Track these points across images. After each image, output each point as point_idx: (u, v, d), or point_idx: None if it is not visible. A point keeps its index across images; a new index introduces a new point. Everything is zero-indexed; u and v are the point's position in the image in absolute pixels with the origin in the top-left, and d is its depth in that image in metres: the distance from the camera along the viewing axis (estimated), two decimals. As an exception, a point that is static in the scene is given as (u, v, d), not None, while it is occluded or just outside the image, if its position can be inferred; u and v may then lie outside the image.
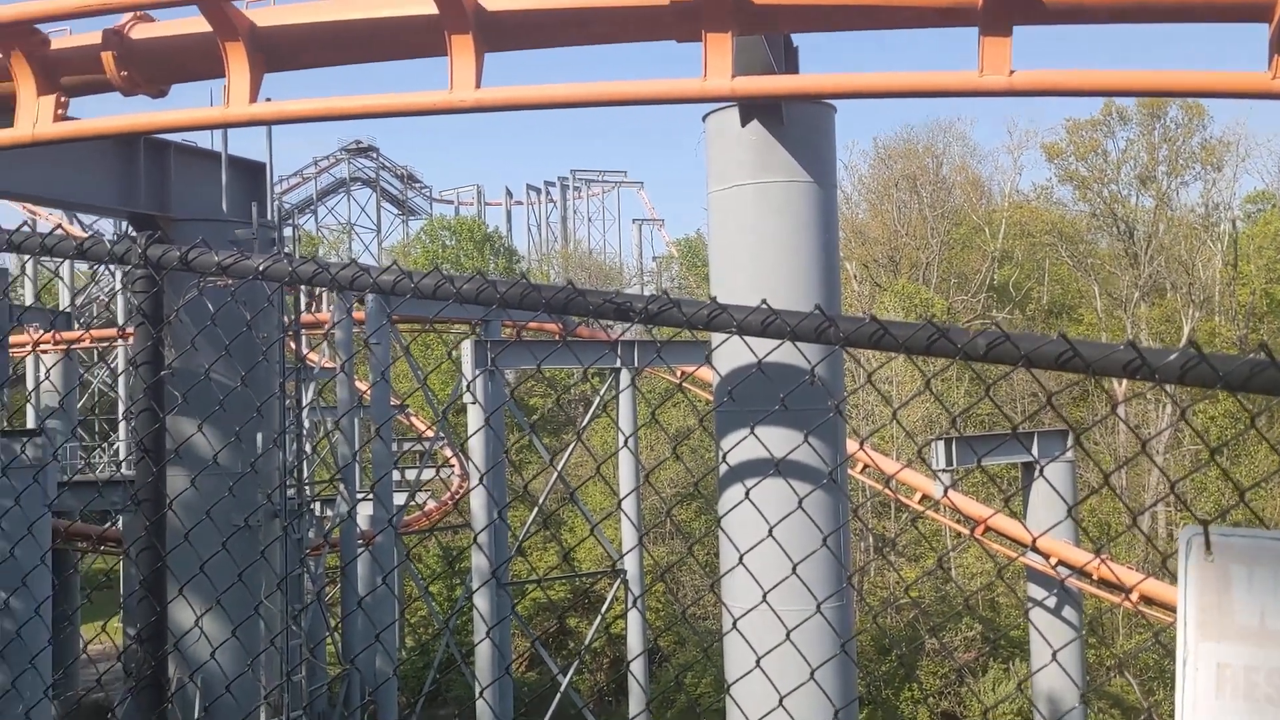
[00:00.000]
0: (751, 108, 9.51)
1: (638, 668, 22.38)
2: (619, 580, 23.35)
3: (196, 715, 11.50)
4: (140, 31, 8.21)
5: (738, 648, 9.99)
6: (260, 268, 2.80)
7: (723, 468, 10.47)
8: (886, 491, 23.35)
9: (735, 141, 9.97)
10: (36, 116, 8.24)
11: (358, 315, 24.01)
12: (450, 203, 69.34)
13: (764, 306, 2.29)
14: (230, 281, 2.88)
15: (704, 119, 11.22)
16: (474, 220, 55.52)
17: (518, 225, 72.36)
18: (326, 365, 27.88)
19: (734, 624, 8.82)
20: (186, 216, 11.69)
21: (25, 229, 3.05)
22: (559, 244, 67.99)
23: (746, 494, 8.90)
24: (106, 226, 42.88)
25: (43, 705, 16.28)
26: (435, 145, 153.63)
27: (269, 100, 8.11)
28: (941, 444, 16.55)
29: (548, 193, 71.50)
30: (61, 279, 41.27)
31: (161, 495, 2.89)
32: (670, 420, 38.55)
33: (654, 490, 35.11)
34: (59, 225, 38.12)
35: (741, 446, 9.30)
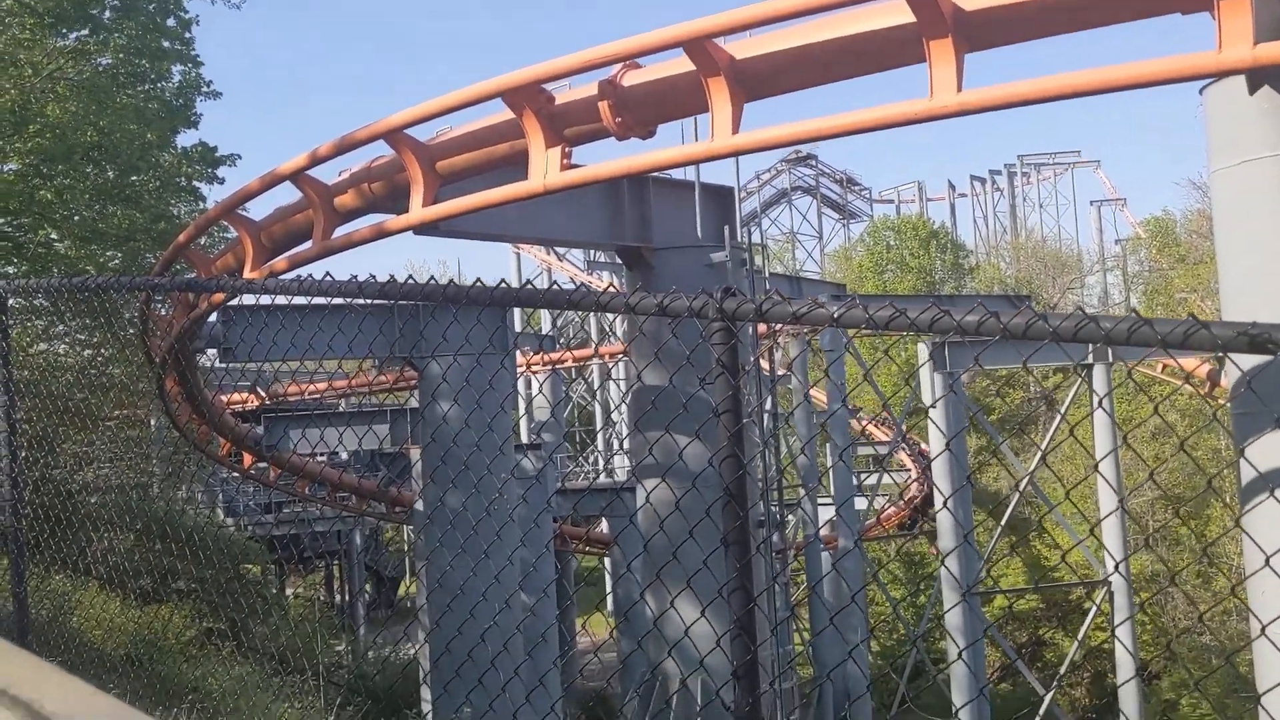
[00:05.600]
0: (1261, 75, 8.47)
1: (1129, 690, 20.74)
2: (1103, 592, 21.80)
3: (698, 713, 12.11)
4: (630, 78, 8.80)
5: (1269, 655, 8.95)
6: (836, 315, 2.82)
7: (1246, 466, 9.44)
8: None
9: (1244, 112, 8.93)
10: (546, 168, 9.07)
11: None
12: (891, 202, 68.71)
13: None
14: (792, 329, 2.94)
15: (1201, 91, 10.18)
16: (917, 218, 54.56)
17: (963, 218, 70.16)
18: (781, 372, 28.41)
19: (1263, 630, 7.88)
20: (665, 245, 12.40)
21: (568, 283, 3.31)
22: (1009, 235, 65.10)
23: (1272, 492, 7.87)
24: (577, 257, 46.83)
25: (553, 675, 18.03)
26: (873, 145, 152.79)
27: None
28: None
29: (993, 182, 68.72)
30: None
31: (747, 538, 2.99)
32: (1144, 413, 35.55)
33: (1133, 491, 32.45)
34: (574, 276, 41.99)
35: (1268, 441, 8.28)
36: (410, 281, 3.94)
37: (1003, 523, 23.03)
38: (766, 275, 15.39)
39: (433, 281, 3.80)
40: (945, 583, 22.98)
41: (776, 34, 8.09)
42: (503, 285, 3.60)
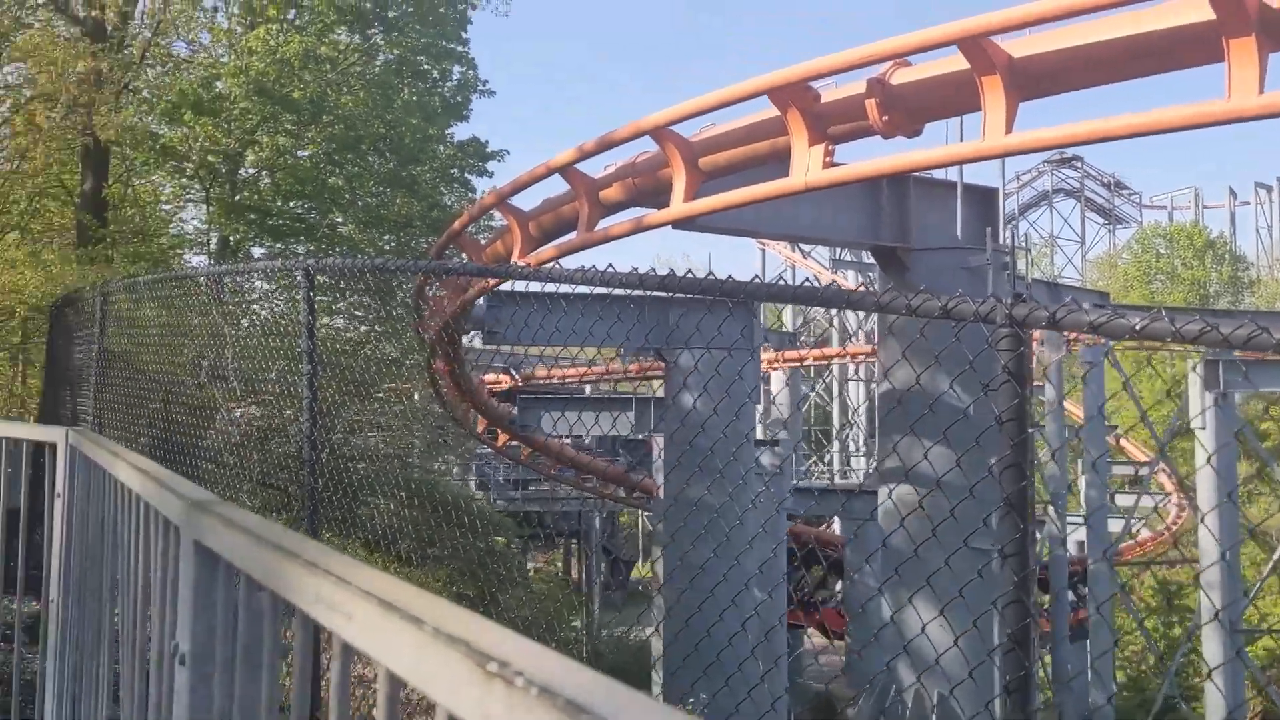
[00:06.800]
0: None
1: None
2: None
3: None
4: (899, 76, 8.68)
5: None
6: (1138, 327, 2.73)
7: None
8: None
9: None
10: (808, 166, 9.08)
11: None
12: (1163, 208, 64.40)
13: None
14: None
15: None
16: (1191, 226, 51.03)
17: (1244, 228, 64.90)
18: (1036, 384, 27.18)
19: None
20: (924, 246, 12.15)
21: (806, 281, 3.31)
22: (1296, 247, 59.86)
23: None
24: (822, 254, 46.39)
25: (781, 667, 18.00)
26: (1144, 147, 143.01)
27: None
28: None
29: (1281, 190, 63.26)
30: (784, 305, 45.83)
31: (1026, 550, 2.94)
32: None
33: None
34: (818, 275, 41.82)
35: None
36: (687, 275, 4.06)
37: (1275, 557, 21.26)
38: (1029, 280, 14.81)
39: (711, 276, 3.90)
40: (1205, 615, 21.44)
41: (1058, 32, 7.79)
42: (783, 283, 3.67)
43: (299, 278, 5.54)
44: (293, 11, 19.66)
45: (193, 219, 22.40)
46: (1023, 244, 14.90)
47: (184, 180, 21.36)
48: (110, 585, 2.82)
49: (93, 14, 19.74)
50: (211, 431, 7.71)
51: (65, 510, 3.44)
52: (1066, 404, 27.89)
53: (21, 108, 20.57)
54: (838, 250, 44.54)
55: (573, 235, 11.76)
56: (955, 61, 8.19)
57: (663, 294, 14.94)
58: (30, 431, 3.87)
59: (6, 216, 20.71)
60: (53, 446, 3.59)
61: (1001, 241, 12.51)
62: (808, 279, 43.89)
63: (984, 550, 11.49)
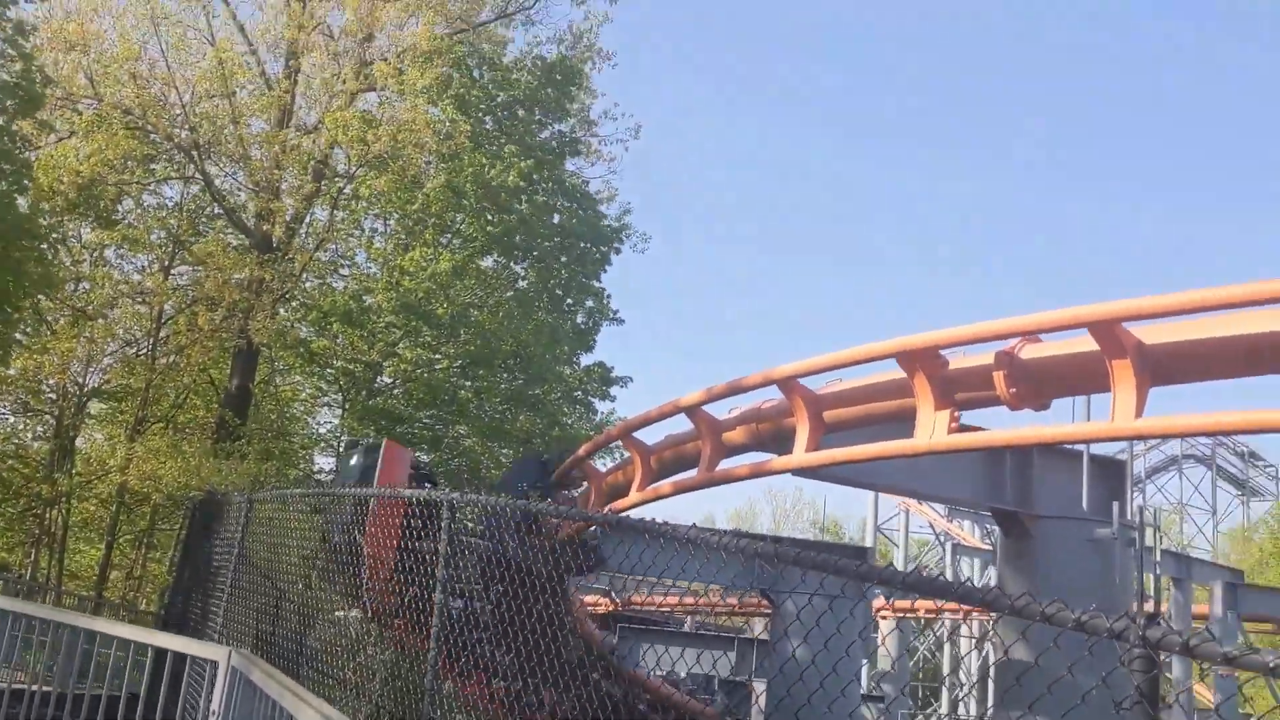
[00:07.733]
0: None
1: None
2: None
3: None
4: (1029, 352, 8.86)
5: None
6: (1271, 665, 2.74)
7: None
8: None
9: None
10: (933, 429, 9.20)
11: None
12: (1299, 483, 61.67)
13: None
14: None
15: None
16: (1332, 504, 48.78)
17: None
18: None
19: None
20: (1047, 514, 11.99)
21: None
22: None
23: None
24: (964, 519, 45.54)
25: None
26: None
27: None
28: None
29: None
30: (896, 547, 44.90)
31: None
32: None
33: None
34: (933, 522, 41.37)
35: None
36: (792, 547, 4.17)
37: None
38: (1157, 556, 14.37)
39: (818, 551, 4.01)
40: None
41: (1194, 323, 7.91)
42: (919, 571, 3.76)
43: (442, 510, 5.80)
44: (446, 236, 21.03)
45: (325, 422, 23.37)
46: (1150, 516, 14.38)
47: (323, 384, 22.43)
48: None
49: (264, 228, 21.41)
50: (339, 650, 7.88)
51: (215, 730, 3.62)
52: (1198, 688, 26.21)
53: (186, 308, 22.15)
54: (953, 498, 43.67)
55: (693, 473, 11.97)
56: (1086, 342, 8.35)
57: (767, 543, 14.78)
58: (192, 646, 4.10)
59: (156, 409, 21.95)
60: (212, 664, 3.80)
61: (1129, 515, 12.28)
62: (949, 540, 42.98)
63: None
